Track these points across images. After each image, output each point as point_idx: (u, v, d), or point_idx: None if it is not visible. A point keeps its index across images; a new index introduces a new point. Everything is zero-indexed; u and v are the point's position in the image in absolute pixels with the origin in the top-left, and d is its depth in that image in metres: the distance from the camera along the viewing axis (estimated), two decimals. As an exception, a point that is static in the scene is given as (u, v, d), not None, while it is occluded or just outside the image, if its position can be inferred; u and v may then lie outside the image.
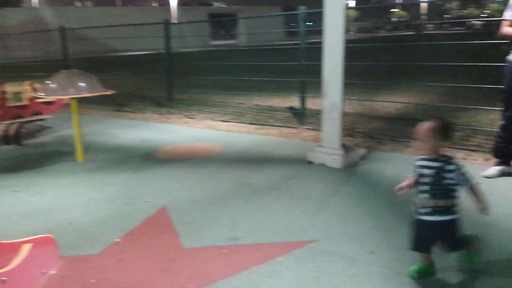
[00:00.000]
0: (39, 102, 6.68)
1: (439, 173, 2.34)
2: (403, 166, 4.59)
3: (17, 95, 6.93)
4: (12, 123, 6.45)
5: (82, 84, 5.12)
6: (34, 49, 15.69)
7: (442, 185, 2.34)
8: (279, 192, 4.07)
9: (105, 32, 12.24)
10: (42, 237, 2.91)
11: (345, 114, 5.25)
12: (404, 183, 2.49)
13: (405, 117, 6.49)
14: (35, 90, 6.55)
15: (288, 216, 3.56)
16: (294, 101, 7.51)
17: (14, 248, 2.61)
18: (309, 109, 7.00)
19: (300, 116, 6.95)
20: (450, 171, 2.33)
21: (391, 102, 6.20)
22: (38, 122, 7.10)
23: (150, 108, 8.76)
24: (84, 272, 2.83)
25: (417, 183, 2.44)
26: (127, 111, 8.72)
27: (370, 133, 5.88)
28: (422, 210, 2.43)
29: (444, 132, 2.34)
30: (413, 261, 2.74)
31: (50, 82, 5.25)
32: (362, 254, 2.92)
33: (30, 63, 14.63)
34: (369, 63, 6.92)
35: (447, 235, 2.45)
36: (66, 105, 6.96)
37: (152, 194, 4.14)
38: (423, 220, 2.44)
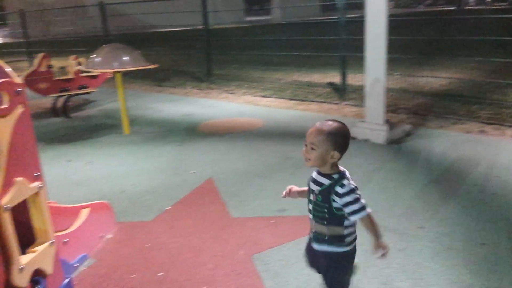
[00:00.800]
0: (84, 76, 6.87)
1: (325, 192, 1.77)
2: (451, 143, 4.52)
3: (63, 69, 7.15)
4: (59, 96, 6.67)
5: (126, 58, 5.22)
6: (73, 24, 15.96)
7: (328, 208, 1.77)
8: (323, 166, 4.09)
9: (141, 7, 12.34)
10: (98, 202, 3.04)
11: (388, 90, 5.16)
12: (292, 187, 2.02)
13: (451, 94, 6.34)
14: (79, 64, 6.73)
15: (334, 190, 3.58)
16: (334, 77, 7.42)
17: (73, 212, 2.75)
18: (350, 85, 6.92)
19: (341, 92, 6.88)
20: (338, 194, 1.74)
21: (435, 78, 6.04)
22: (83, 96, 7.31)
23: (190, 83, 8.85)
24: (139, 237, 2.95)
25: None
26: (168, 86, 8.85)
27: (414, 110, 5.78)
28: (310, 233, 1.93)
29: (335, 139, 1.73)
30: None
31: (94, 56, 5.38)
32: (411, 228, 2.92)
33: (70, 38, 14.94)
34: (411, 37, 6.75)
35: (326, 270, 1.89)
36: (109, 79, 7.14)
37: (198, 166, 4.24)
38: (309, 243, 1.96)
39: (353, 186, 1.77)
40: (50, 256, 2.07)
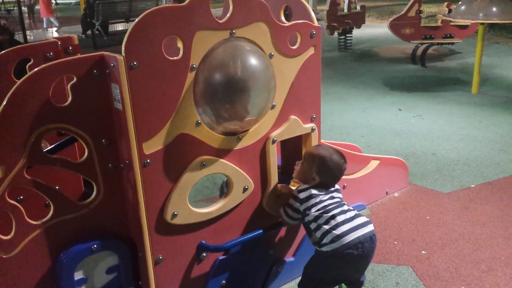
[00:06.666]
0: (452, 25, 6.46)
1: None
2: None
3: (432, 16, 6.93)
4: (421, 43, 6.56)
5: (493, 9, 4.60)
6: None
7: None
8: None
9: None
10: (393, 158, 2.96)
11: None
12: None
13: None
14: (450, 11, 6.34)
15: None
16: None
17: (363, 161, 2.76)
18: None
19: None
20: None
21: None
22: (447, 46, 6.96)
23: None
24: (424, 206, 2.73)
25: None
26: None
27: None
28: None
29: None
30: None
31: (460, 3, 4.98)
32: None
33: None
34: None
35: None
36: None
37: (537, 148, 3.46)
38: None
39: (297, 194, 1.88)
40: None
